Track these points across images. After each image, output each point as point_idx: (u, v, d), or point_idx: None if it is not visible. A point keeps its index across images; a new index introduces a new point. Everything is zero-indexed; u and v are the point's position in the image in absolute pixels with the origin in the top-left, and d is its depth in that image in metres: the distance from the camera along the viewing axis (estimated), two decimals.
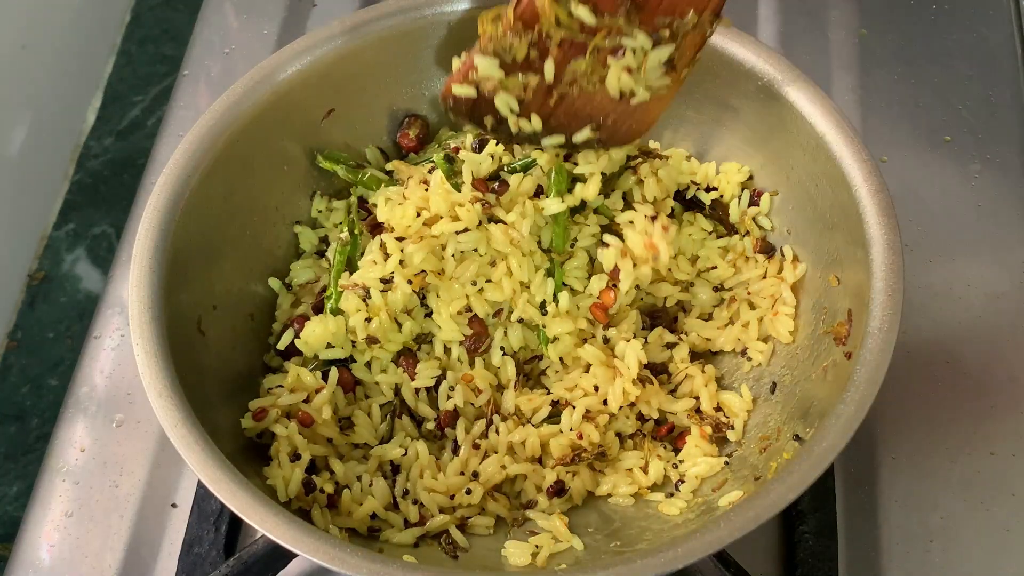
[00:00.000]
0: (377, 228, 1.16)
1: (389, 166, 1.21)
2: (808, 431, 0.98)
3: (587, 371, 1.11)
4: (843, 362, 1.00)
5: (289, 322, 1.16)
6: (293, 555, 1.02)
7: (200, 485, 1.18)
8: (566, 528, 1.03)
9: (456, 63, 1.05)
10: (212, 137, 1.10)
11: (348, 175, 1.20)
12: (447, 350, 1.13)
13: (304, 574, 1.13)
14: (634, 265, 1.09)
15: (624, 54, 0.99)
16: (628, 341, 1.11)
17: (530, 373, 1.16)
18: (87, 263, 1.63)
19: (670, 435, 1.13)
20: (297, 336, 1.12)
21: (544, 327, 1.12)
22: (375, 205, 1.16)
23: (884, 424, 1.21)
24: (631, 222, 1.10)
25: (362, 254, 1.13)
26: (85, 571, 1.17)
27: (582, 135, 1.06)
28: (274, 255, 1.21)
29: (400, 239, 1.10)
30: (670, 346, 1.16)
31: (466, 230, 1.09)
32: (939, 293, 1.30)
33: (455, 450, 1.09)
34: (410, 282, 1.09)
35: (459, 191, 1.10)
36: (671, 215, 1.16)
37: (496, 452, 1.08)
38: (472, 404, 1.11)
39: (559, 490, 1.07)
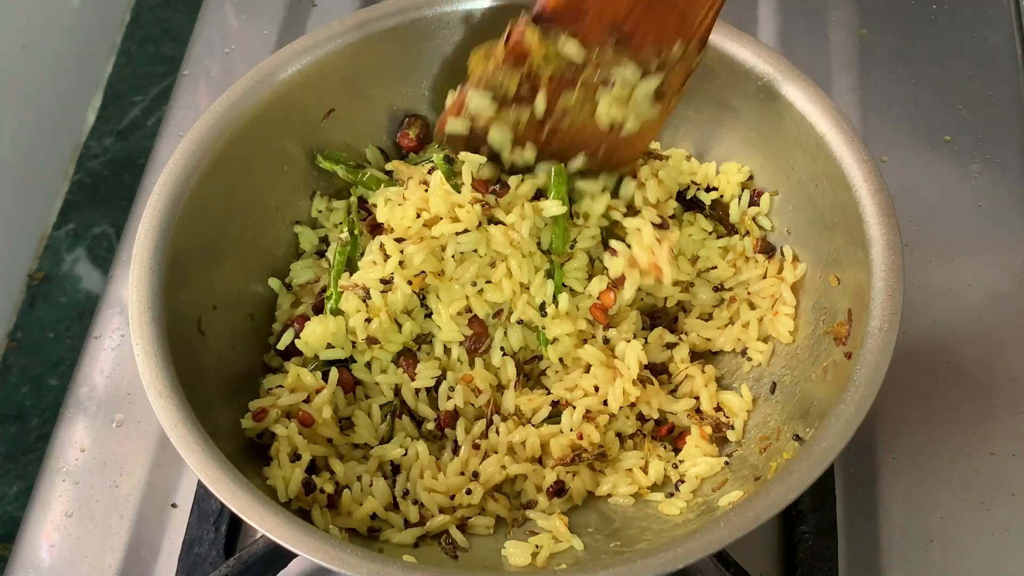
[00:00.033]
0: (377, 228, 1.16)
1: (389, 166, 1.21)
2: (808, 431, 0.98)
3: (587, 371, 1.11)
4: (843, 362, 1.00)
5: (289, 322, 1.16)
6: (293, 555, 1.02)
7: (200, 485, 1.18)
8: (566, 528, 1.03)
9: (451, 97, 1.08)
10: (212, 137, 1.10)
11: (348, 175, 1.20)
12: (447, 350, 1.13)
13: (304, 574, 1.13)
14: (640, 274, 1.10)
15: (613, 86, 1.01)
16: (628, 341, 1.11)
17: (530, 373, 1.16)
18: (87, 263, 1.63)
19: (670, 435, 1.13)
20: (297, 336, 1.12)
21: (544, 329, 1.12)
22: (375, 205, 1.16)
23: (884, 424, 1.21)
24: (638, 229, 1.10)
25: (362, 254, 1.13)
26: (85, 571, 1.17)
27: (576, 163, 1.11)
28: (274, 255, 1.21)
29: (400, 240, 1.10)
30: (670, 346, 1.16)
31: (466, 231, 1.09)
32: (939, 293, 1.30)
33: (455, 450, 1.09)
34: (410, 283, 1.09)
35: (459, 192, 1.10)
36: (672, 216, 1.16)
37: (496, 452, 1.08)
38: (472, 404, 1.11)
39: (559, 490, 1.07)
